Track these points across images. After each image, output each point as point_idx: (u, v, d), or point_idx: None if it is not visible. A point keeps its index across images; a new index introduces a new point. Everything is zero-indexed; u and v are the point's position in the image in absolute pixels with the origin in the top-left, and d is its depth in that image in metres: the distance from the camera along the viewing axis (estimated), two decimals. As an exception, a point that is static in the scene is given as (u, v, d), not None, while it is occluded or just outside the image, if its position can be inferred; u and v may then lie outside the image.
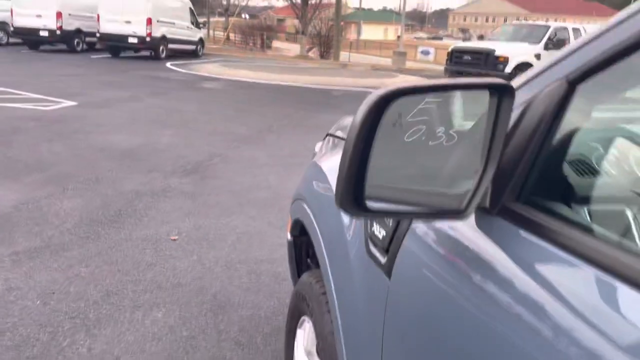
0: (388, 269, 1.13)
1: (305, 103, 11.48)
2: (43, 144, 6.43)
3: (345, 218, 1.55)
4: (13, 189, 4.83)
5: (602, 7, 64.14)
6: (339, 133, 2.03)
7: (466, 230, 0.96)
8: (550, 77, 0.92)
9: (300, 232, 2.10)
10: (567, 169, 0.98)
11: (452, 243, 0.99)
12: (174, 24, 20.07)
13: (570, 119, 0.90)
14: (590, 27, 14.76)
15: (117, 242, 3.87)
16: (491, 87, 0.90)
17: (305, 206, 1.89)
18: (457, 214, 0.91)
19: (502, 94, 0.88)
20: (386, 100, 0.81)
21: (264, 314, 3.05)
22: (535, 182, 0.90)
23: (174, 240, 3.96)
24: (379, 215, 1.03)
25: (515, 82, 1.02)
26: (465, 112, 1.02)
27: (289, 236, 2.22)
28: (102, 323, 2.84)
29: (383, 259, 1.16)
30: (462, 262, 0.94)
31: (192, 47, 22.08)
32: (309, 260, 2.24)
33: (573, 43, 0.93)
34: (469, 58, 13.56)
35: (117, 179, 5.29)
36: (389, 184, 0.92)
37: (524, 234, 0.86)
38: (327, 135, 2.19)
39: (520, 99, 0.96)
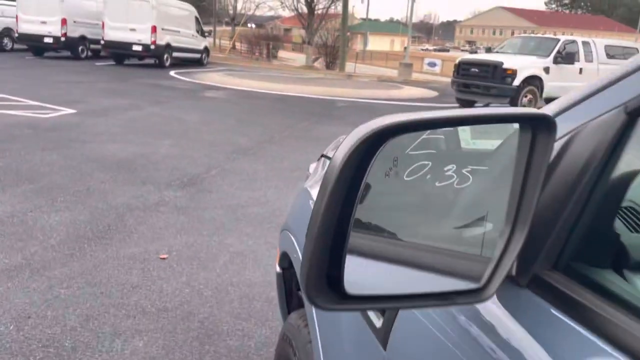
0: (384, 337, 0.90)
1: (309, 114, 11.29)
2: (37, 153, 6.24)
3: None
4: (0, 200, 4.63)
5: (609, 21, 63.93)
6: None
7: (485, 303, 0.73)
8: (600, 106, 0.71)
9: (289, 265, 1.87)
10: (623, 228, 0.75)
11: (467, 318, 0.76)
12: (179, 32, 19.98)
13: (629, 161, 0.68)
14: (599, 41, 14.54)
15: (103, 260, 3.65)
16: (523, 120, 0.68)
17: (292, 238, 1.67)
18: (473, 293, 0.69)
19: (538, 128, 0.66)
20: (379, 138, 0.59)
21: (254, 345, 2.82)
22: (579, 244, 0.68)
23: (163, 259, 3.74)
24: (364, 305, 0.76)
25: (548, 110, 0.79)
26: (474, 129, 0.80)
27: (277, 268, 1.99)
28: (78, 352, 2.62)
29: (378, 322, 0.94)
30: (478, 345, 0.71)
31: (197, 55, 21.98)
32: (300, 293, 2.01)
33: (630, 63, 0.71)
34: (477, 70, 13.32)
35: (109, 192, 5.08)
36: (378, 251, 0.70)
37: (560, 314, 0.64)
38: (321, 157, 1.97)
39: (557, 133, 0.74)
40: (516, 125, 0.72)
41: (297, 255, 1.58)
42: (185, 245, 3.98)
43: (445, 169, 0.75)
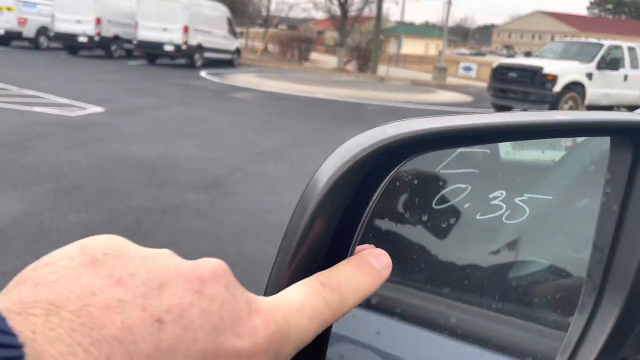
0: None
1: (338, 117, 11.06)
2: (60, 152, 6.17)
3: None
4: (18, 199, 4.52)
5: (654, 27, 61.91)
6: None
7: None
8: None
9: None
10: None
11: None
12: (210, 32, 20.03)
13: None
14: (646, 46, 13.87)
15: (115, 266, 3.48)
16: (618, 131, 0.43)
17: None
18: None
19: None
20: (388, 157, 0.36)
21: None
22: None
23: (179, 266, 3.54)
24: None
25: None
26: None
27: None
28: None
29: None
30: None
31: (228, 56, 22.01)
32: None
33: None
34: (515, 75, 12.83)
35: (129, 193, 4.94)
36: (384, 302, 0.46)
37: None
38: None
39: None
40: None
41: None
42: (202, 251, 3.78)
43: (491, 196, 0.50)
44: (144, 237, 3.95)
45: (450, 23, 26.76)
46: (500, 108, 13.58)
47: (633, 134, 0.48)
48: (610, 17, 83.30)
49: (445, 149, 0.44)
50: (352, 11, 31.31)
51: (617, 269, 0.48)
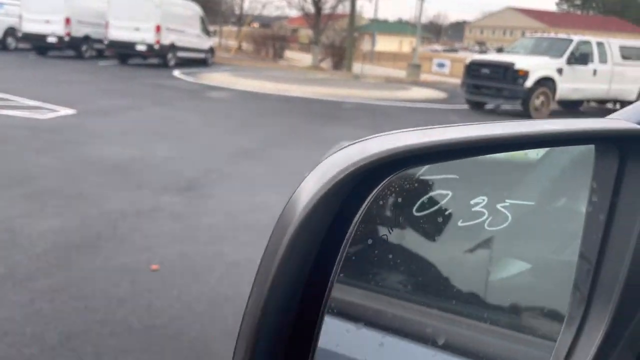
0: None
1: (314, 115, 11.05)
2: (31, 156, 6.03)
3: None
4: (-12, 205, 4.41)
5: (622, 22, 63.15)
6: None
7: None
8: None
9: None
10: None
11: None
12: (183, 31, 19.79)
13: None
14: (614, 41, 14.15)
15: (90, 271, 3.42)
16: (604, 139, 0.43)
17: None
18: None
19: (630, 149, 0.41)
20: (374, 175, 0.34)
21: (247, 369, 2.57)
22: None
23: (155, 270, 3.50)
24: None
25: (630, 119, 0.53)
26: None
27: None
28: (54, 377, 2.38)
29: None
30: None
31: (202, 55, 21.78)
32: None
33: None
34: (487, 71, 12.99)
35: (102, 196, 4.85)
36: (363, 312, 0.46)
37: None
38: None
39: None
40: None
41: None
42: (179, 255, 3.74)
43: (473, 202, 0.50)
44: (119, 242, 3.89)
45: (423, 20, 26.92)
46: (474, 104, 13.73)
47: (619, 142, 0.48)
48: (579, 12, 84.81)
49: (431, 164, 0.44)
50: (326, 9, 31.30)
51: (604, 280, 0.48)
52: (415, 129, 0.39)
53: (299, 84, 16.05)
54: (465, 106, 13.98)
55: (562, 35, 14.94)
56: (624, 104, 14.51)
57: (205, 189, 5.36)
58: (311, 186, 0.34)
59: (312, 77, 19.66)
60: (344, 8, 31.13)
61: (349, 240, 0.35)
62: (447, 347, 0.52)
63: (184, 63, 20.48)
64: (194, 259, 3.71)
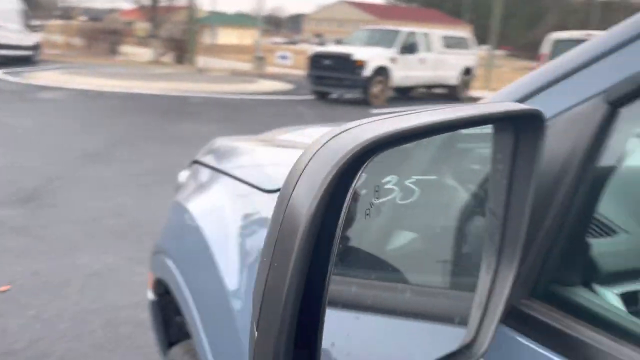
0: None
1: (160, 112, 10.65)
2: None
3: (233, 279, 1.12)
4: None
5: (441, 15, 69.62)
6: (210, 160, 1.58)
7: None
8: (573, 93, 0.58)
9: (166, 290, 1.61)
10: (618, 243, 0.65)
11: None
12: (1, 27, 17.73)
13: (614, 161, 0.56)
14: (436, 32, 15.65)
15: None
16: (501, 119, 0.53)
17: (169, 263, 1.41)
18: (463, 354, 0.53)
19: (522, 126, 0.52)
20: (356, 161, 0.40)
21: (124, 379, 2.48)
22: (561, 263, 0.56)
23: (5, 291, 3.18)
24: None
25: (500, 98, 0.66)
26: None
27: (151, 295, 1.71)
28: None
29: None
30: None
31: (26, 52, 19.72)
32: (180, 319, 1.75)
33: (604, 41, 0.59)
34: (329, 62, 13.57)
35: None
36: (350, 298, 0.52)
37: (542, 350, 0.52)
38: (193, 163, 1.72)
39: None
40: None
41: (177, 280, 1.34)
42: (30, 271, 3.44)
43: (384, 180, 0.59)
44: (-47, 265, 3.46)
45: (263, 12, 27.13)
46: (319, 94, 14.27)
47: (514, 120, 0.58)
48: (404, 5, 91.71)
49: (403, 144, 0.50)
50: (163, 1, 30.06)
51: (510, 232, 0.59)
52: (378, 117, 0.45)
53: (141, 80, 15.32)
54: (312, 96, 14.47)
55: (391, 27, 16.11)
56: (448, 88, 16.17)
57: (49, 197, 4.94)
58: (312, 184, 0.38)
59: (154, 72, 18.85)
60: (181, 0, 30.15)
61: (341, 229, 0.40)
62: (385, 311, 0.60)
63: (6, 62, 18.36)
64: (47, 273, 3.43)
